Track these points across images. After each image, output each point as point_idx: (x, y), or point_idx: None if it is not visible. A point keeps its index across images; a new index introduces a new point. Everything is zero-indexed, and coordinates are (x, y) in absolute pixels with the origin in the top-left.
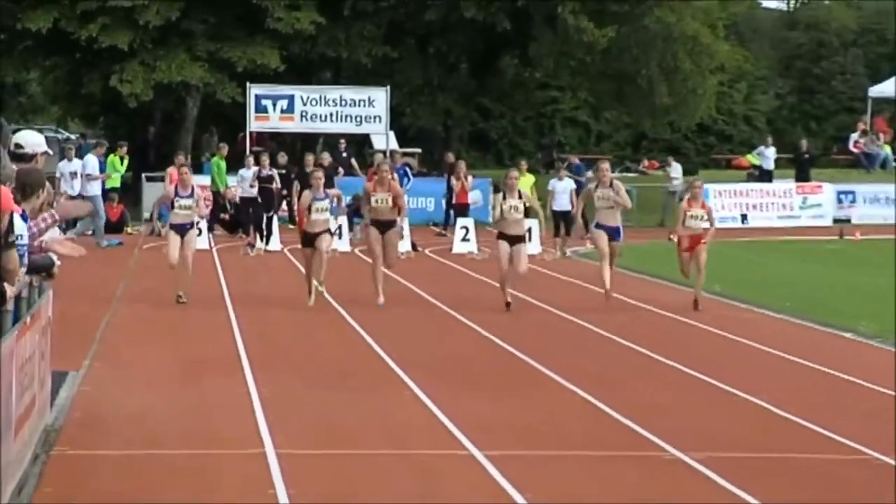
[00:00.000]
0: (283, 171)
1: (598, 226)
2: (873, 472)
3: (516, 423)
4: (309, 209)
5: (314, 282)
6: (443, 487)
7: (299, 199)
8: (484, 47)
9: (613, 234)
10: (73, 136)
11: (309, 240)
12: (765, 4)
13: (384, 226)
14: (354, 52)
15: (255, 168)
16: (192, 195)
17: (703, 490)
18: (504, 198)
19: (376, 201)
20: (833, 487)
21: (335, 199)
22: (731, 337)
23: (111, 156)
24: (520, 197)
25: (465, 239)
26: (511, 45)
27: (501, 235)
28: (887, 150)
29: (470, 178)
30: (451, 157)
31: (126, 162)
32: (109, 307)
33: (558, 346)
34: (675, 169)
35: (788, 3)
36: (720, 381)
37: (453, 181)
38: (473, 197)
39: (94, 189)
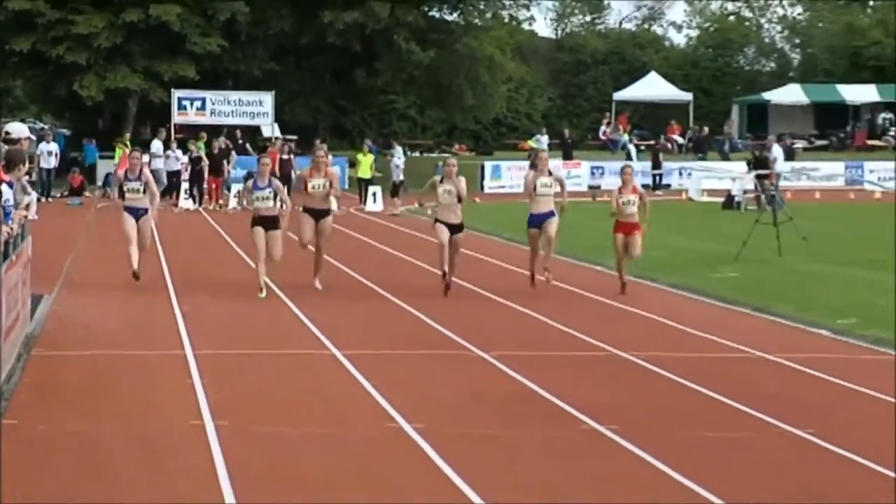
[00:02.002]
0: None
1: (532, 217)
2: (618, 363)
3: (365, 330)
4: (251, 195)
5: (261, 278)
6: (315, 378)
7: (210, 174)
8: (343, 63)
9: (546, 217)
10: (46, 126)
11: (260, 222)
12: (540, 34)
13: (318, 214)
14: (249, 66)
15: (178, 150)
16: (139, 178)
17: (495, 376)
18: (441, 181)
19: (313, 187)
20: (587, 374)
21: (278, 191)
22: (525, 272)
23: (117, 146)
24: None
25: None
26: (362, 62)
27: (439, 221)
28: (625, 137)
29: (329, 156)
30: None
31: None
32: (73, 248)
33: (401, 277)
34: (398, 151)
35: (557, 33)
36: (518, 304)
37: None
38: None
39: (156, 164)
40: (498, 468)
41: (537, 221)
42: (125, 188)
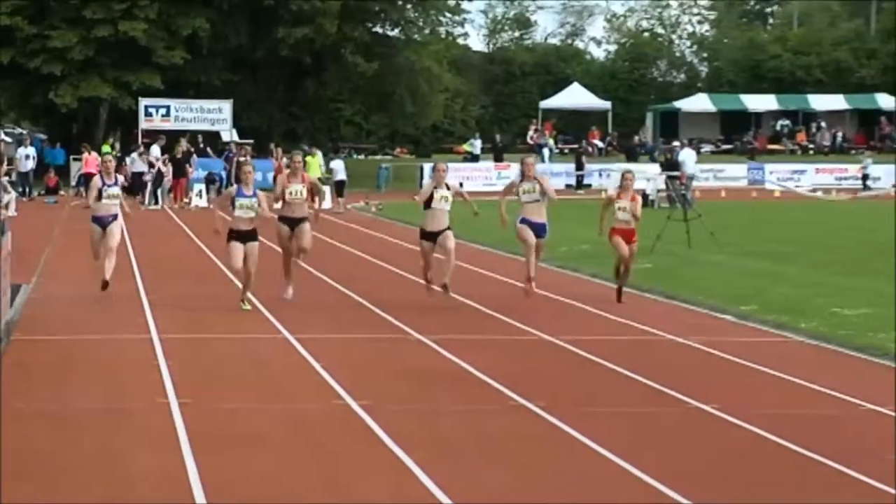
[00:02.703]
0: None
1: (524, 220)
2: (546, 346)
3: (313, 315)
4: (232, 204)
5: (244, 295)
6: (269, 359)
7: (174, 175)
8: (294, 74)
9: (539, 230)
10: (24, 132)
11: (238, 236)
12: (474, 48)
13: (295, 223)
14: (209, 77)
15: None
16: (116, 183)
17: (431, 356)
18: (435, 188)
19: (290, 193)
20: (518, 356)
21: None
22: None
23: (104, 145)
24: (448, 188)
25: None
26: (312, 73)
27: (424, 234)
28: (551, 142)
29: (285, 158)
30: (235, 146)
31: (111, 146)
32: (49, 242)
33: (346, 268)
34: (319, 156)
35: (488, 47)
36: (455, 293)
37: (273, 161)
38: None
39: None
40: (433, 439)
41: (533, 228)
42: (104, 194)
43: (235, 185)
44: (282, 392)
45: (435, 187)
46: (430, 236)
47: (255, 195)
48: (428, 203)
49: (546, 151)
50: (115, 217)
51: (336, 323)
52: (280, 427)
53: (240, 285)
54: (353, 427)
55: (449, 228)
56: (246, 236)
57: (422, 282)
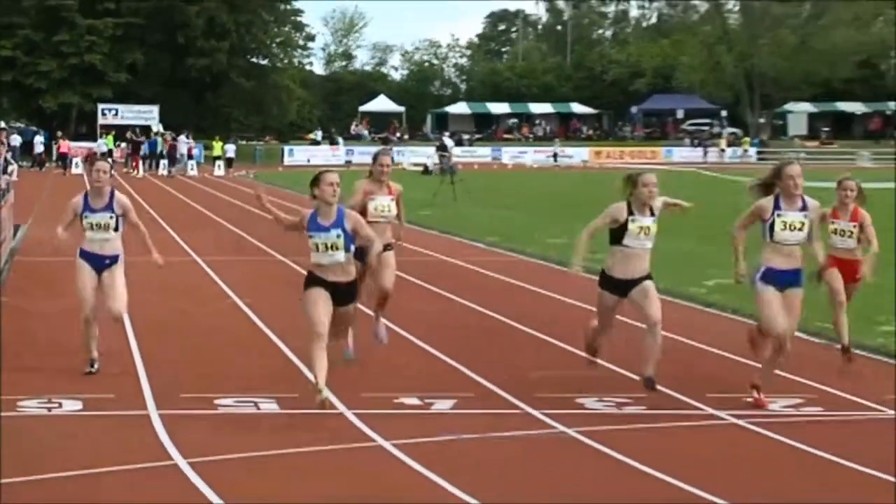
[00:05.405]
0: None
1: (769, 274)
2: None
3: (215, 245)
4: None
5: (319, 379)
6: (186, 274)
7: (133, 153)
8: (200, 89)
9: (790, 280)
10: (23, 126)
11: (325, 286)
12: (316, 72)
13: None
14: (144, 91)
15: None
16: (109, 207)
17: (292, 271)
18: (632, 215)
19: (377, 209)
20: None
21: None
22: None
23: (107, 137)
24: (652, 214)
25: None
26: (211, 89)
27: (608, 283)
28: (366, 132)
29: (191, 141)
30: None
31: (112, 139)
32: (39, 197)
33: (235, 213)
34: (187, 139)
35: (326, 71)
36: None
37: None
38: (195, 151)
39: (182, 149)
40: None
41: (780, 285)
42: (84, 223)
43: (309, 211)
44: (192, 295)
45: (631, 213)
46: (620, 287)
47: (339, 225)
48: (618, 237)
49: (365, 133)
50: (113, 259)
51: (230, 250)
52: (191, 318)
53: (320, 374)
54: (238, 316)
55: (650, 277)
56: (337, 291)
57: (579, 352)
